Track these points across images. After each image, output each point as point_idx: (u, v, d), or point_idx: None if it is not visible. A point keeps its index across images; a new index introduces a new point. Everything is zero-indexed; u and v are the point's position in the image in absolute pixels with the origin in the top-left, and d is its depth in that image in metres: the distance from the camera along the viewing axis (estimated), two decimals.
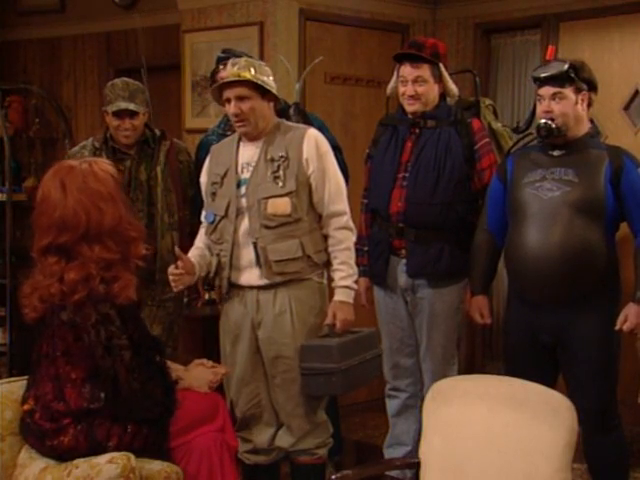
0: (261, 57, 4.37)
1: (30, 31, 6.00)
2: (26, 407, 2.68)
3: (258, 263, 3.21)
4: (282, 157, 3.21)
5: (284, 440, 3.36)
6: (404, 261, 3.57)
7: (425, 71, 3.49)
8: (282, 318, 3.25)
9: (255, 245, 3.20)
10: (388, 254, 3.61)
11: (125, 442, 2.60)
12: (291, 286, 3.24)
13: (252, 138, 3.26)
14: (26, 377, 2.76)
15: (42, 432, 2.62)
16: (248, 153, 3.28)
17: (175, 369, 2.83)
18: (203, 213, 3.41)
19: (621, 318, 3.14)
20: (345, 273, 3.28)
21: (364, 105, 4.79)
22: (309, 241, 3.25)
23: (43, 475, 2.58)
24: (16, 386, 2.78)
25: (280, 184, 3.19)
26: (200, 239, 3.41)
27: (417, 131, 3.56)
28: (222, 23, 4.60)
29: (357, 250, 3.76)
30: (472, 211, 3.53)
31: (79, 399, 2.60)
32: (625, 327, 3.14)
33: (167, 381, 2.72)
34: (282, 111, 3.79)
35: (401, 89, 3.54)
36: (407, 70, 3.50)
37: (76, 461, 2.56)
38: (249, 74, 3.17)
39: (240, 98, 3.18)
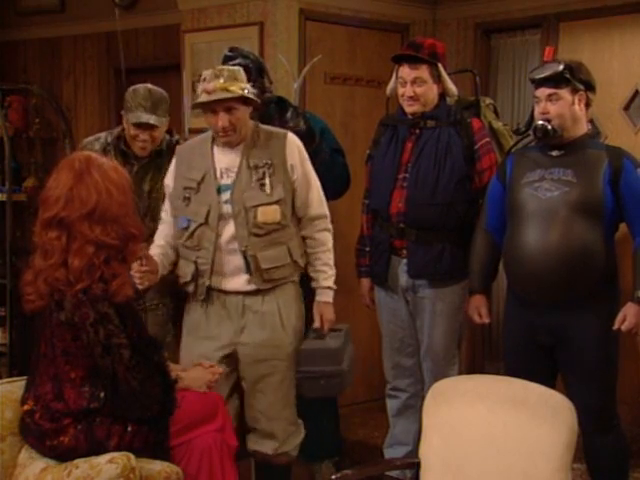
0: (261, 57, 4.36)
1: (30, 31, 6.00)
2: (26, 407, 2.68)
3: (248, 270, 3.19)
4: (267, 164, 3.19)
5: (266, 446, 3.31)
6: (405, 261, 3.57)
7: (424, 72, 3.49)
8: (272, 321, 3.24)
9: (244, 253, 3.17)
10: (389, 254, 3.61)
11: (125, 441, 2.60)
12: (277, 289, 3.25)
13: (233, 145, 3.23)
14: (26, 377, 2.76)
15: (42, 432, 2.63)
16: (226, 159, 3.22)
17: (173, 369, 2.84)
18: (165, 214, 3.35)
19: (619, 318, 3.14)
20: (328, 274, 3.32)
21: (364, 105, 4.79)
22: (294, 246, 3.26)
23: (43, 475, 2.58)
24: (16, 386, 2.79)
25: (268, 191, 3.18)
26: (160, 237, 3.32)
27: (417, 131, 3.56)
28: (222, 23, 4.60)
29: (359, 250, 3.79)
30: (473, 211, 3.53)
31: (78, 399, 2.60)
32: (624, 327, 3.14)
33: (166, 380, 2.72)
34: (281, 112, 3.78)
35: (400, 90, 3.54)
36: (405, 71, 3.50)
37: (76, 461, 2.56)
38: (237, 87, 3.13)
39: (228, 110, 3.14)
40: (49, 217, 2.60)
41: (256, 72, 3.64)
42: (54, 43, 5.97)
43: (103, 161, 2.70)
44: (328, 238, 3.34)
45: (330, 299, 3.34)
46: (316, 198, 3.31)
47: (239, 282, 3.22)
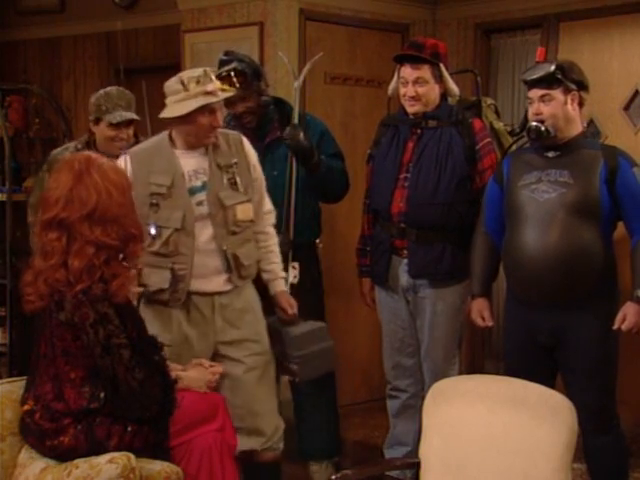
0: (261, 57, 4.37)
1: (30, 31, 6.01)
2: (26, 407, 2.68)
3: (229, 269, 3.20)
4: (234, 164, 3.23)
5: (252, 442, 3.26)
6: (405, 261, 3.57)
7: (425, 72, 3.48)
8: (248, 317, 3.27)
9: (225, 252, 3.18)
10: (390, 254, 3.61)
11: (125, 441, 2.60)
12: (245, 286, 3.30)
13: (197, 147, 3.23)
14: (26, 377, 2.76)
15: (42, 432, 2.62)
16: (192, 161, 3.19)
17: (173, 369, 2.84)
18: None
19: (619, 317, 3.14)
20: (281, 265, 3.44)
21: (364, 105, 4.79)
22: (255, 242, 3.34)
23: (43, 475, 2.58)
24: (16, 386, 2.78)
25: (241, 190, 3.22)
26: None
27: (418, 131, 3.56)
28: (222, 23, 4.60)
29: (360, 250, 3.79)
30: (474, 211, 3.52)
31: (78, 399, 2.60)
32: (624, 326, 3.14)
33: (166, 380, 2.72)
34: (281, 113, 3.77)
35: (402, 90, 3.54)
36: (407, 71, 3.50)
37: (76, 461, 2.56)
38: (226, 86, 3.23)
39: (219, 110, 3.20)
40: (49, 218, 2.60)
41: (252, 76, 3.63)
42: (54, 43, 5.97)
43: (103, 161, 2.69)
44: (274, 232, 3.45)
45: (286, 287, 3.47)
46: (266, 194, 3.41)
47: (218, 282, 3.21)
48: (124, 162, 3.18)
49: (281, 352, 3.35)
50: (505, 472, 2.58)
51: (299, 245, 3.69)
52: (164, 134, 3.24)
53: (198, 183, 3.19)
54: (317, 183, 3.73)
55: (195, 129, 3.14)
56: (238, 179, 3.22)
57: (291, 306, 3.39)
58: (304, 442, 3.95)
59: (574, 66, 3.23)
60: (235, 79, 3.55)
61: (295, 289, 3.57)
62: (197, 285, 3.18)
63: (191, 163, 3.20)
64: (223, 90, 3.16)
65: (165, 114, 3.14)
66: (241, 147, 3.29)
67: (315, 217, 3.91)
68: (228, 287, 3.22)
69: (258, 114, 3.67)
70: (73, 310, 2.56)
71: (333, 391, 3.98)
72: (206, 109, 3.11)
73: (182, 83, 3.09)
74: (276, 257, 3.41)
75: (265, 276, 3.39)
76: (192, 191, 3.18)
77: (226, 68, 3.56)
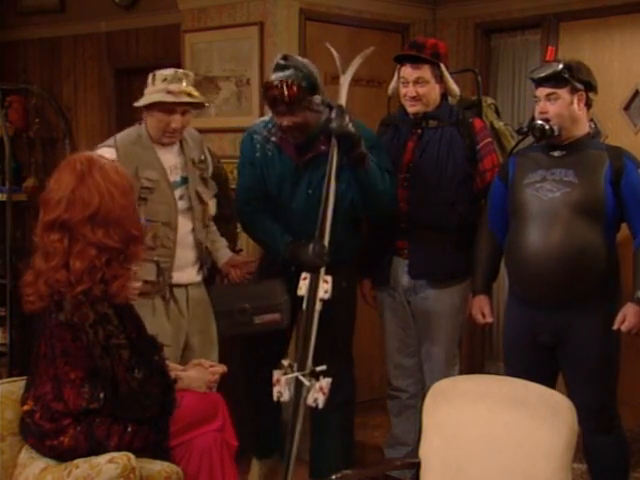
0: (261, 57, 4.36)
1: (30, 31, 6.00)
2: (26, 407, 2.68)
3: (199, 261, 3.39)
4: (201, 160, 3.40)
5: None
6: (406, 261, 3.57)
7: (426, 72, 3.49)
8: (209, 310, 3.45)
9: (200, 244, 3.38)
10: (390, 255, 3.61)
11: (125, 441, 2.60)
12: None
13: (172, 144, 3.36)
14: (26, 377, 2.76)
15: (42, 432, 2.62)
16: (168, 156, 3.32)
17: (173, 369, 2.84)
18: None
19: (619, 318, 3.14)
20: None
21: (364, 105, 4.78)
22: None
23: (43, 475, 2.58)
24: (16, 386, 2.79)
25: (209, 185, 3.42)
26: None
27: (419, 131, 3.56)
28: (222, 23, 4.59)
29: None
30: (474, 211, 3.53)
31: (78, 399, 2.60)
32: (623, 327, 3.13)
33: (166, 380, 2.72)
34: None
35: (402, 90, 3.54)
36: (408, 71, 3.50)
37: (76, 461, 2.56)
38: (198, 93, 3.34)
39: (183, 113, 3.30)
40: (51, 219, 2.60)
41: (306, 89, 3.24)
42: (54, 43, 5.96)
43: (104, 162, 2.69)
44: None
45: None
46: None
47: (191, 274, 3.39)
48: (110, 154, 3.11)
49: (269, 305, 3.45)
50: (505, 472, 2.58)
51: (338, 261, 3.29)
52: (140, 127, 3.32)
53: (177, 178, 3.32)
54: (362, 181, 3.32)
55: (155, 123, 3.26)
56: (206, 175, 3.41)
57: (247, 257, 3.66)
58: (314, 463, 3.77)
59: (582, 66, 3.22)
60: (286, 90, 3.18)
61: (329, 303, 3.22)
62: (175, 277, 3.33)
63: (169, 158, 3.32)
64: (190, 95, 3.24)
65: (135, 103, 3.30)
66: (201, 144, 3.47)
67: (356, 233, 3.59)
68: (199, 278, 3.41)
69: (305, 132, 3.31)
70: (73, 310, 2.56)
71: (350, 416, 3.81)
72: (164, 107, 3.21)
73: (152, 77, 3.25)
74: (219, 238, 3.59)
75: (216, 253, 3.56)
76: (173, 186, 3.31)
77: (280, 75, 3.22)
